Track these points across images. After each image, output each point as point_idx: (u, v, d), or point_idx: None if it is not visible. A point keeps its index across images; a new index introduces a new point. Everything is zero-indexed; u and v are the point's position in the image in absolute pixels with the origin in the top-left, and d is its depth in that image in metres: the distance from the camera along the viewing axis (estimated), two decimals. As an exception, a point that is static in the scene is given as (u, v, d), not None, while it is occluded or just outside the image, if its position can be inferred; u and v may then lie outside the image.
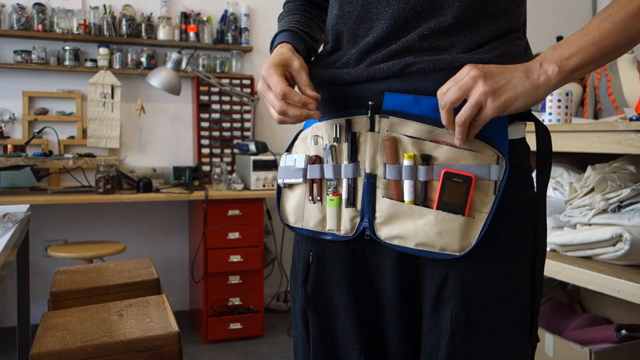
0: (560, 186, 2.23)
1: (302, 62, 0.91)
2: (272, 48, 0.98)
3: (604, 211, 1.87)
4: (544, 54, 0.81)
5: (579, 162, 2.28)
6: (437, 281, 0.87)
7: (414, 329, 0.92)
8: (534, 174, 0.93)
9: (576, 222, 1.96)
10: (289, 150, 1.01)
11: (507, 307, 0.86)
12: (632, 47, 0.81)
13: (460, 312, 0.85)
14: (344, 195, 0.91)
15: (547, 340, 1.98)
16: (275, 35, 0.99)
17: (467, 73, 0.78)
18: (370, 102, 0.87)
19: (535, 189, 0.92)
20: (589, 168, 1.99)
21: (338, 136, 0.91)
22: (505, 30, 0.88)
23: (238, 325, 3.23)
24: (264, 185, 3.25)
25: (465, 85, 0.78)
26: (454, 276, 0.85)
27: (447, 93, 0.79)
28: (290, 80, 0.89)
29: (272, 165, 3.28)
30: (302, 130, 1.00)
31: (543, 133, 0.91)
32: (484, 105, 0.77)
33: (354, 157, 0.90)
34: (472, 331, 0.85)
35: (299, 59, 0.91)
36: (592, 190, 1.91)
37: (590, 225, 1.91)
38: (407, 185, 0.86)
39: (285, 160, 0.99)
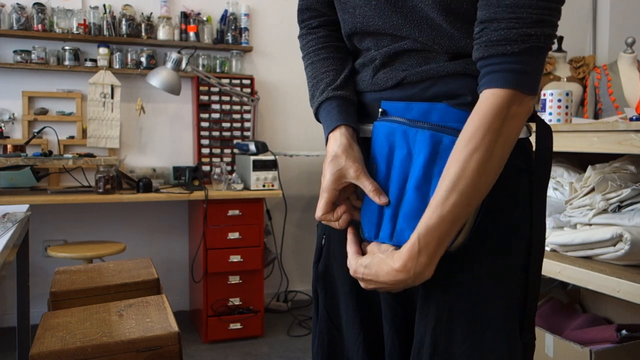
0: (560, 186, 2.23)
1: (358, 157, 0.91)
2: (318, 114, 0.99)
3: (604, 211, 1.87)
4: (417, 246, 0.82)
5: (579, 162, 2.28)
6: None
7: (407, 321, 0.96)
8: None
9: (576, 222, 1.96)
10: None
11: (492, 302, 0.88)
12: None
13: (445, 304, 0.88)
14: None
15: (547, 340, 1.97)
16: (321, 103, 0.98)
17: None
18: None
19: (531, 190, 0.91)
20: (589, 168, 1.98)
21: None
22: None
23: (238, 325, 3.23)
24: (263, 185, 3.24)
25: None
26: (443, 269, 0.87)
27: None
28: (341, 191, 0.93)
29: (272, 165, 3.27)
30: None
31: (542, 131, 0.92)
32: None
33: None
34: (457, 322, 0.88)
35: (355, 157, 0.91)
36: (593, 190, 1.91)
37: (590, 225, 1.91)
38: None
39: None
